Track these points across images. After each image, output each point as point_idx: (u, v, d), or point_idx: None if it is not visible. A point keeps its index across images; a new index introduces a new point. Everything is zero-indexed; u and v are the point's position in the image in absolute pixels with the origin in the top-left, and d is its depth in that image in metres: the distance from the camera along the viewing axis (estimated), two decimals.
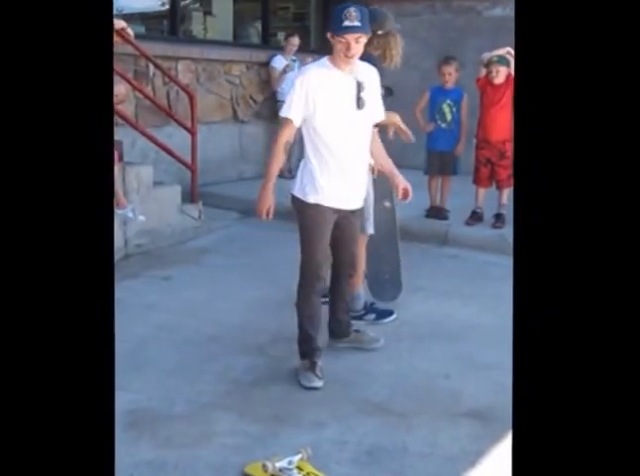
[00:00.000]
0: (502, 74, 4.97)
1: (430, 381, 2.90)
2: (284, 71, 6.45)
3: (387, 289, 3.82)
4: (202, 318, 3.53)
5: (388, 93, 8.71)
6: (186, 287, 4.04)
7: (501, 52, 4.96)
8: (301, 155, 2.92)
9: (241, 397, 2.72)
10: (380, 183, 3.49)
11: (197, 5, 7.27)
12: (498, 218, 5.20)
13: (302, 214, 2.81)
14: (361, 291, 3.56)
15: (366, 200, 3.23)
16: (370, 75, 2.84)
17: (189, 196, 5.24)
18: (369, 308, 3.58)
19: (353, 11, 2.60)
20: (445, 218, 5.35)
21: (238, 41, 7.18)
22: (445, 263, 4.71)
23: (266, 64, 6.77)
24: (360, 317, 3.47)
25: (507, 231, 5.10)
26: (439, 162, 5.34)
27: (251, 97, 6.82)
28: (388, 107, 9.08)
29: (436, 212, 5.39)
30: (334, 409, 2.63)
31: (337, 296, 3.10)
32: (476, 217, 5.27)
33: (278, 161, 2.78)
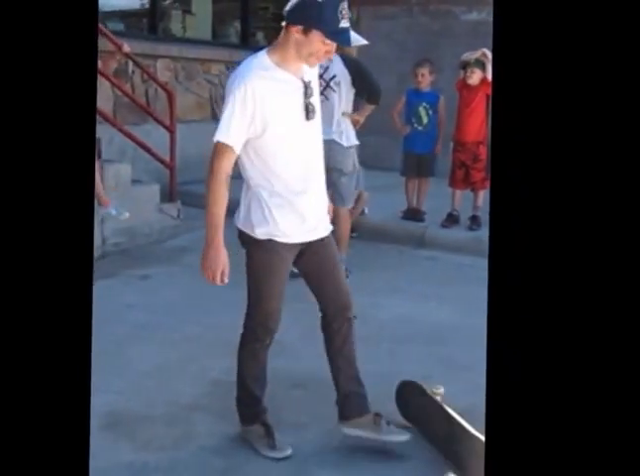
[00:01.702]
0: (477, 76, 5.03)
1: None
2: None
3: None
4: (181, 318, 3.52)
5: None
6: (165, 286, 4.02)
7: (476, 54, 5.02)
8: None
9: (221, 398, 2.71)
10: None
11: (177, 4, 7.23)
12: (474, 220, 5.27)
13: (250, 253, 2.26)
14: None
15: (340, 172, 3.93)
16: (312, 73, 2.24)
17: (168, 195, 5.22)
18: None
19: (347, 8, 2.04)
20: (422, 220, 5.40)
21: (217, 40, 7.16)
22: (422, 264, 4.75)
23: None
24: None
25: (483, 233, 5.16)
26: (415, 164, 5.39)
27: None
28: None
29: (413, 214, 5.44)
30: (314, 410, 2.64)
31: (337, 356, 2.41)
32: (452, 219, 5.33)
33: (222, 200, 2.11)
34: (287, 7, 2.09)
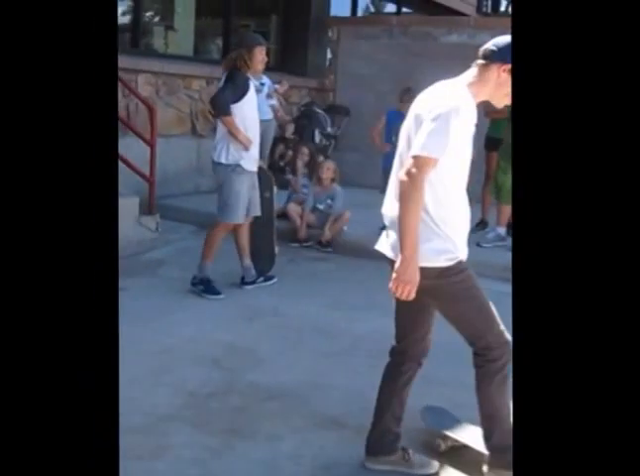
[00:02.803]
0: None
1: None
2: None
3: (263, 263, 4.48)
4: (157, 330, 3.51)
5: (345, 114, 8.89)
6: (141, 298, 4.01)
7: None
8: None
9: (196, 409, 2.71)
10: (261, 178, 4.35)
11: (159, 19, 7.29)
12: None
13: (448, 283, 2.15)
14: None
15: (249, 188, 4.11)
16: None
17: (147, 208, 5.22)
18: (258, 274, 4.35)
19: None
20: None
21: (198, 56, 7.22)
22: None
23: None
24: (253, 282, 4.29)
25: None
26: None
27: (210, 112, 6.83)
28: (345, 127, 9.23)
29: None
30: (290, 422, 2.65)
31: (394, 395, 2.38)
32: None
33: (419, 213, 2.06)
34: (492, 45, 2.16)
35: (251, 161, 4.09)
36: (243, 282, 4.29)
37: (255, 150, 4.12)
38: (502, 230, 5.50)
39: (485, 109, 5.72)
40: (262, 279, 4.34)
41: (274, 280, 4.40)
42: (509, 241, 5.43)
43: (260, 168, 4.36)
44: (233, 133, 3.98)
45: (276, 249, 4.50)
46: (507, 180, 5.31)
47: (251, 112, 4.07)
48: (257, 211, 4.24)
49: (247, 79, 4.06)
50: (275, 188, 4.60)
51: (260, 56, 4.08)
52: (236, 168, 4.03)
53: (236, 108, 4.00)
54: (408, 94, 5.42)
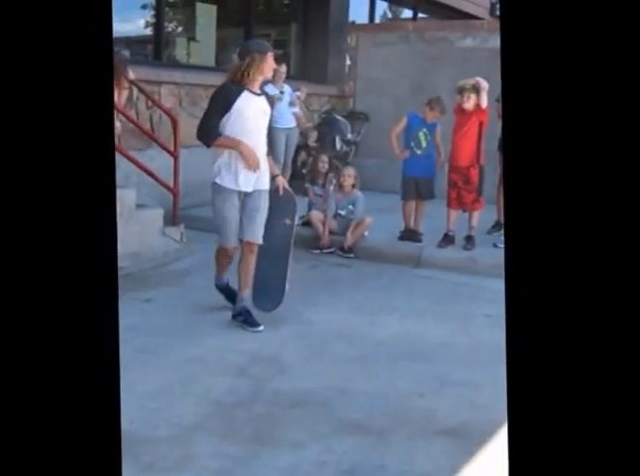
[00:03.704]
0: (472, 101, 5.17)
1: (406, 400, 2.99)
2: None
3: (267, 299, 4.02)
4: (183, 340, 3.59)
5: (364, 119, 8.94)
6: (167, 308, 4.10)
7: (471, 81, 5.17)
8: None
9: (222, 418, 2.77)
10: (284, 202, 3.94)
11: (181, 30, 7.41)
12: (468, 241, 5.38)
13: None
14: (246, 296, 3.89)
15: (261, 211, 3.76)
16: None
17: (171, 219, 5.32)
18: (242, 311, 3.86)
19: None
20: (418, 241, 5.50)
21: (220, 66, 7.32)
22: (419, 284, 4.84)
23: None
24: (233, 317, 3.86)
25: (477, 253, 5.26)
26: (415, 188, 5.51)
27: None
28: (364, 133, 9.28)
29: (410, 235, 5.55)
30: (313, 428, 2.70)
31: None
32: (447, 240, 5.44)
33: None
34: None
35: (231, 179, 3.76)
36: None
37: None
38: None
39: (499, 111, 5.74)
40: (241, 317, 3.84)
41: (259, 328, 3.78)
42: None
43: (285, 189, 3.94)
44: (235, 149, 3.73)
45: (287, 286, 3.97)
46: None
47: (239, 125, 3.74)
48: (251, 237, 3.80)
49: (228, 93, 3.74)
50: (297, 217, 4.19)
51: (270, 61, 3.77)
52: (213, 185, 3.83)
53: (223, 125, 3.77)
54: (439, 104, 5.45)
